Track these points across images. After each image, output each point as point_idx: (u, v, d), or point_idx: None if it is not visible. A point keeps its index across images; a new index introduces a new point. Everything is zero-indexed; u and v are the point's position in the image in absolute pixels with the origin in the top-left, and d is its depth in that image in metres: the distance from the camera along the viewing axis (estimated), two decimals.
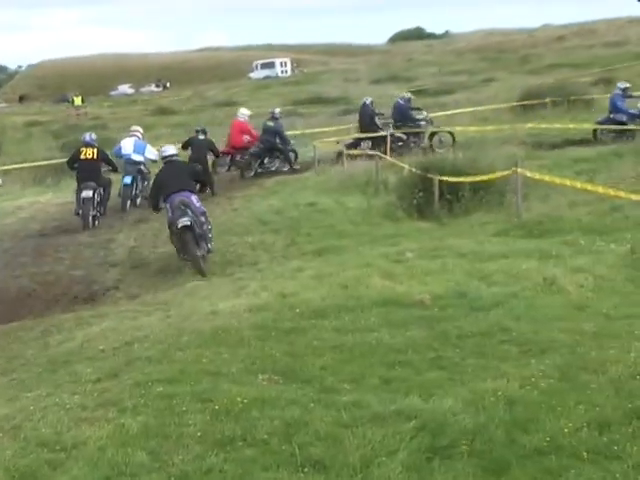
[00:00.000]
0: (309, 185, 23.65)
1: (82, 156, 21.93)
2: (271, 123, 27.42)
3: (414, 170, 18.78)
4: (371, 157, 23.41)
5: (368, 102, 29.10)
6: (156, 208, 16.57)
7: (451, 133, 28.07)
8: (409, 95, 30.41)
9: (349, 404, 7.89)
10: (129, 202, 23.44)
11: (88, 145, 22.18)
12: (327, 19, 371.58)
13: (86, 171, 21.65)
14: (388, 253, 14.40)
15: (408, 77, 64.29)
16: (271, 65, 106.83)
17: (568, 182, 15.55)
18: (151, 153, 24.24)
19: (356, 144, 28.13)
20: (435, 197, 17.75)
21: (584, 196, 16.03)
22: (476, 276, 12.33)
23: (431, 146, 27.40)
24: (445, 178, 17.62)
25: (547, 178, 16.12)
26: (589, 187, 15.03)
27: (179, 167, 16.60)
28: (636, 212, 15.15)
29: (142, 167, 24.16)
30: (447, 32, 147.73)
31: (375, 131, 27.90)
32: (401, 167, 20.40)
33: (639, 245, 13.19)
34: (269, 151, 27.45)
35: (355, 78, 72.32)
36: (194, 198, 15.81)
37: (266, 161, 27.53)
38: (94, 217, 21.48)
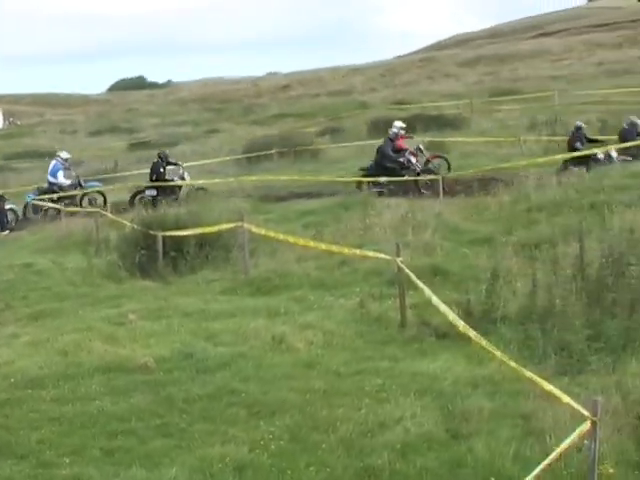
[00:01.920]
0: (25, 244, 23.08)
1: None
2: None
3: (136, 227, 18.75)
4: (90, 214, 23.19)
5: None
6: None
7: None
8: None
9: (69, 479, 7.77)
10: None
11: None
12: (43, 68, 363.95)
13: None
14: (110, 315, 14.30)
15: (129, 128, 64.00)
16: None
17: (292, 239, 16.05)
18: (62, 177, 28.01)
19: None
20: (159, 254, 17.78)
21: (312, 250, 16.63)
22: (202, 336, 12.49)
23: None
24: (168, 233, 17.71)
25: (273, 233, 16.59)
26: (312, 243, 15.58)
27: None
28: (364, 265, 15.90)
29: (55, 188, 27.82)
30: (169, 81, 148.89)
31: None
32: (123, 224, 20.30)
33: (368, 299, 13.87)
34: None
35: (72, 130, 71.14)
36: None
37: None
38: None
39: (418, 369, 10.68)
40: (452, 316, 9.67)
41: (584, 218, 16.89)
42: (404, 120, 36.75)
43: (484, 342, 8.76)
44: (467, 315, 11.66)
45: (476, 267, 15.16)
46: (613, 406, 8.40)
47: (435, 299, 10.61)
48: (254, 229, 16.75)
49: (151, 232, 17.95)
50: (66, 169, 28.84)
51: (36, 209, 27.92)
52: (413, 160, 25.81)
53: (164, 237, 17.74)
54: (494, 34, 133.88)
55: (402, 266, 12.71)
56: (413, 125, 39.71)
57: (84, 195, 28.48)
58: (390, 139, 26.61)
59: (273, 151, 35.63)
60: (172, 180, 27.39)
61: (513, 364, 8.20)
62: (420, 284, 11.67)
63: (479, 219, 19.66)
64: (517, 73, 71.08)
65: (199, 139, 49.82)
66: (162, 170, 27.20)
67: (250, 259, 16.83)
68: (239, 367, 10.97)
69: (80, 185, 28.76)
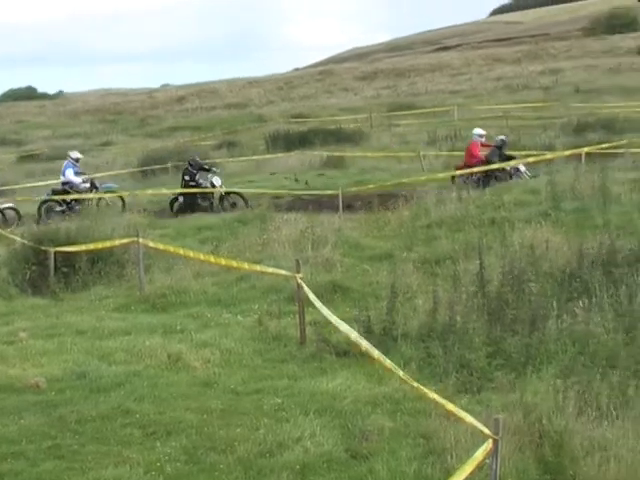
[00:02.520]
0: None
1: None
2: None
3: (26, 242, 18.42)
4: None
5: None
6: None
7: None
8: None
9: None
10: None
11: None
12: None
13: None
14: None
15: (18, 140, 62.77)
16: None
17: (192, 253, 15.98)
18: (71, 175, 27.60)
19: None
20: (50, 270, 17.49)
21: (209, 266, 16.56)
22: (96, 355, 12.33)
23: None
24: (60, 249, 17.43)
25: (172, 249, 16.49)
26: (212, 259, 15.54)
27: None
28: (263, 281, 15.90)
29: (67, 187, 27.50)
30: (61, 92, 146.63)
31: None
32: (13, 239, 19.88)
33: (266, 316, 13.87)
34: None
35: None
36: None
37: None
38: None
39: (318, 388, 10.70)
40: (354, 336, 9.71)
41: (485, 234, 17.19)
42: (301, 134, 37.08)
43: (388, 362, 8.82)
44: (367, 332, 11.73)
45: (376, 284, 15.29)
46: (515, 424, 8.53)
47: (335, 319, 10.65)
48: (151, 244, 16.61)
49: (42, 248, 17.65)
50: (77, 169, 28.30)
51: (49, 210, 27.27)
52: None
53: (56, 253, 17.46)
54: (393, 48, 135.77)
55: (302, 283, 12.73)
56: (312, 140, 40.09)
57: (100, 199, 27.79)
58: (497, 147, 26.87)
59: (169, 164, 35.40)
60: (203, 186, 26.74)
61: (415, 384, 8.27)
62: (319, 305, 11.68)
63: (379, 235, 19.83)
64: (416, 87, 72.23)
65: (92, 152, 49.16)
66: (188, 178, 26.66)
67: (145, 275, 16.68)
68: (134, 386, 10.85)
69: (95, 187, 28.18)
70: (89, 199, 27.52)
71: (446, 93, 64.58)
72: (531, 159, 26.22)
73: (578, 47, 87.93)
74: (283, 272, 13.88)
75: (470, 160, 26.62)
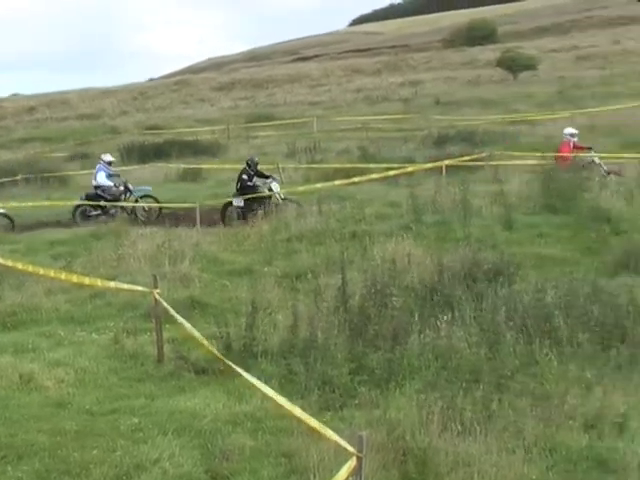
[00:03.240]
0: None
1: None
2: None
3: None
4: None
5: None
6: None
7: None
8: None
9: None
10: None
11: None
12: None
13: None
14: None
15: None
16: None
17: (42, 270, 15.64)
18: (103, 178, 27.13)
19: None
20: None
21: (62, 283, 16.27)
22: None
23: None
24: None
25: (21, 265, 16.13)
26: (63, 276, 15.24)
27: None
28: (119, 298, 15.72)
29: (100, 192, 26.94)
30: None
31: None
32: None
33: (122, 334, 13.72)
34: None
35: None
36: None
37: None
38: None
39: (176, 407, 10.65)
40: (216, 353, 9.71)
41: (346, 248, 17.39)
42: (156, 146, 36.79)
43: (255, 380, 8.85)
44: (226, 349, 11.75)
45: (236, 299, 15.29)
46: (379, 441, 8.66)
47: (198, 334, 10.63)
48: (0, 260, 16.23)
49: None
50: (109, 172, 27.66)
51: (84, 215, 26.72)
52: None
53: None
54: (251, 58, 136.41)
55: (159, 299, 12.65)
56: (168, 151, 39.90)
57: (136, 201, 27.08)
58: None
59: (19, 177, 34.66)
60: (260, 190, 25.51)
61: (282, 400, 8.32)
62: (180, 319, 11.64)
63: (238, 249, 19.83)
64: (275, 98, 72.54)
65: None
66: (246, 177, 25.59)
67: None
68: None
69: (129, 190, 27.26)
70: (122, 200, 27.11)
71: (305, 104, 65.07)
72: (391, 172, 26.62)
73: (438, 59, 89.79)
74: (139, 288, 13.73)
75: (561, 162, 25.39)
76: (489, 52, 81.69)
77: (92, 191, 27.28)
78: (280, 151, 39.12)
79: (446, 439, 8.84)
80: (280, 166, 30.48)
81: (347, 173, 27.74)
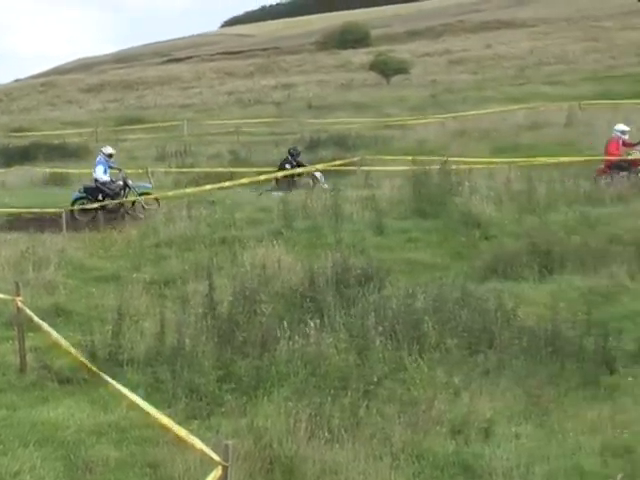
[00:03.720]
0: None
1: None
2: None
3: None
4: None
5: None
6: None
7: None
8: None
9: None
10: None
11: None
12: None
13: None
14: None
15: None
16: None
17: None
18: (100, 172, 25.65)
19: None
20: None
21: None
22: None
23: None
24: None
25: None
26: None
27: None
28: None
29: (99, 185, 25.51)
30: None
31: None
32: None
33: None
34: None
35: None
36: None
37: None
38: None
39: (38, 417, 10.49)
40: (84, 361, 9.60)
41: (215, 254, 17.36)
42: (22, 149, 36.00)
43: (122, 388, 8.77)
44: (92, 358, 11.61)
45: (102, 306, 15.12)
46: (245, 450, 8.68)
47: (64, 342, 10.48)
48: None
49: None
50: (109, 165, 26.16)
51: (81, 210, 25.35)
52: None
53: None
54: (120, 59, 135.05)
55: (22, 306, 12.43)
56: (34, 155, 39.15)
57: (134, 201, 25.77)
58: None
59: None
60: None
61: (149, 408, 8.27)
62: (45, 326, 11.46)
63: (106, 255, 19.59)
64: (145, 100, 71.91)
65: None
66: (289, 167, 24.90)
67: None
68: None
69: (127, 186, 25.87)
70: (122, 196, 25.84)
71: (176, 107, 64.66)
72: (263, 177, 26.68)
73: (311, 62, 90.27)
74: (1, 295, 13.48)
75: (609, 160, 24.78)
76: (362, 55, 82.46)
77: (91, 184, 26.19)
78: (150, 155, 38.77)
79: (314, 447, 8.90)
80: (150, 170, 30.22)
81: (218, 177, 27.70)
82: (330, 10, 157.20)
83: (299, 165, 26.34)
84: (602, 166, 24.94)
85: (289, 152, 27.14)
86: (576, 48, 74.74)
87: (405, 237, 19.22)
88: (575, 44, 77.54)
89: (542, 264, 16.14)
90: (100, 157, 26.50)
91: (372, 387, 10.67)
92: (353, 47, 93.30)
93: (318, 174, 25.71)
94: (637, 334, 12.45)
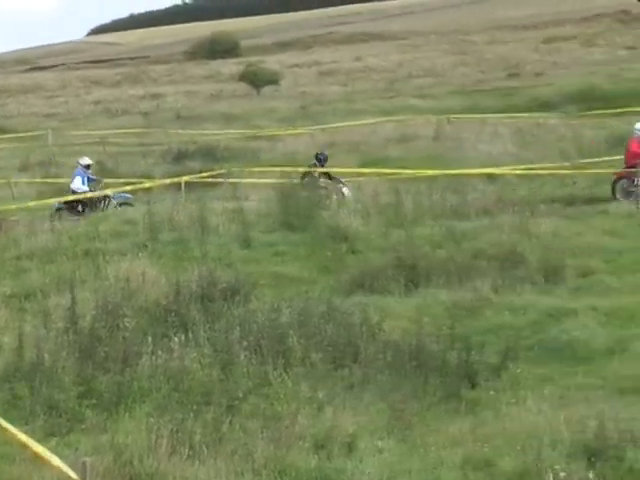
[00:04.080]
0: None
1: None
2: None
3: None
4: None
5: None
6: None
7: None
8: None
9: None
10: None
11: None
12: None
13: None
14: None
15: None
16: None
17: None
18: (78, 183, 25.46)
19: None
20: None
21: None
22: None
23: None
24: None
25: None
26: None
27: None
28: None
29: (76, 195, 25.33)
30: None
31: None
32: None
33: None
34: None
35: None
36: None
37: None
38: None
39: None
40: None
41: (78, 267, 17.14)
42: None
43: None
44: None
45: None
46: (105, 467, 8.61)
47: None
48: None
49: None
50: (86, 176, 25.79)
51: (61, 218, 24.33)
52: None
53: None
54: None
55: None
56: None
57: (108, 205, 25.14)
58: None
59: None
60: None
61: (9, 426, 8.15)
62: None
63: None
64: (7, 109, 70.39)
65: None
66: (315, 175, 24.28)
67: None
68: None
69: (107, 196, 25.24)
70: (101, 206, 25.32)
71: (40, 116, 63.52)
72: (128, 187, 26.45)
73: (180, 72, 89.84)
74: None
75: (631, 160, 23.73)
76: (232, 66, 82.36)
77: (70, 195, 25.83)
78: (13, 165, 38.04)
79: (175, 463, 8.89)
80: (12, 181, 29.70)
81: None
82: (200, 19, 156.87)
83: (325, 173, 25.59)
84: (623, 167, 23.97)
85: (316, 157, 25.88)
86: (445, 61, 76.02)
87: (272, 250, 19.25)
88: (444, 57, 78.89)
89: (408, 278, 16.35)
90: (78, 169, 26.37)
91: (236, 402, 10.71)
92: (223, 57, 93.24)
93: (346, 190, 24.91)
94: (499, 347, 12.72)
